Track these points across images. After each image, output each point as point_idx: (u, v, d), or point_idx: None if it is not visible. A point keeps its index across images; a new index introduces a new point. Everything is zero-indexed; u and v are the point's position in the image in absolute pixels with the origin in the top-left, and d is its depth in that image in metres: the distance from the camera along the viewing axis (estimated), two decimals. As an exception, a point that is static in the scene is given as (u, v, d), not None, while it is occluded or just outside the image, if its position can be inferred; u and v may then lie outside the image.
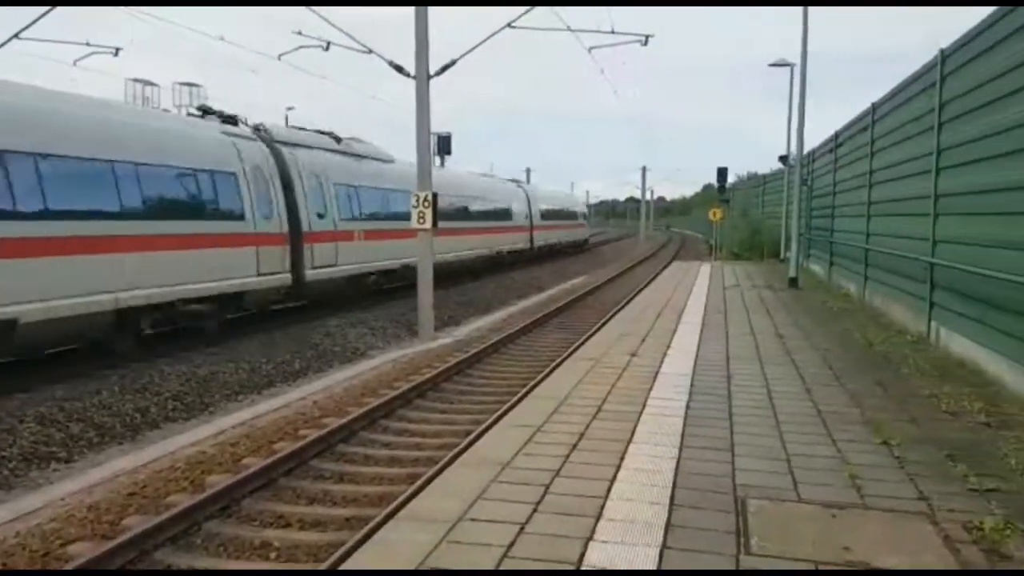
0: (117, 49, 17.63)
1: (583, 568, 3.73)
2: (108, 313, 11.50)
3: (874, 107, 14.92)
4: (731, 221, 36.97)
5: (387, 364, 12.65)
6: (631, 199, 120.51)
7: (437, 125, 32.19)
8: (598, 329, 12.58)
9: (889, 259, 12.95)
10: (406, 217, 15.88)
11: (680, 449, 5.60)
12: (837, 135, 19.42)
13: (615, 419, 6.46)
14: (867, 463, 5.30)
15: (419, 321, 15.73)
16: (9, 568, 5.41)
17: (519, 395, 8.87)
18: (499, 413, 8.07)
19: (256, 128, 16.70)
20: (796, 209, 21.09)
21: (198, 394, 10.75)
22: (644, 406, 6.89)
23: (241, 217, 14.73)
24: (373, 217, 19.81)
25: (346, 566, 4.13)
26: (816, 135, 22.66)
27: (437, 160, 33.37)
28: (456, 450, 6.95)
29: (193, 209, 13.57)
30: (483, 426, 7.71)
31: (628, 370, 8.55)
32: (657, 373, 8.37)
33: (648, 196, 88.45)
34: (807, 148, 23.94)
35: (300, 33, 16.41)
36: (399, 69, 15.48)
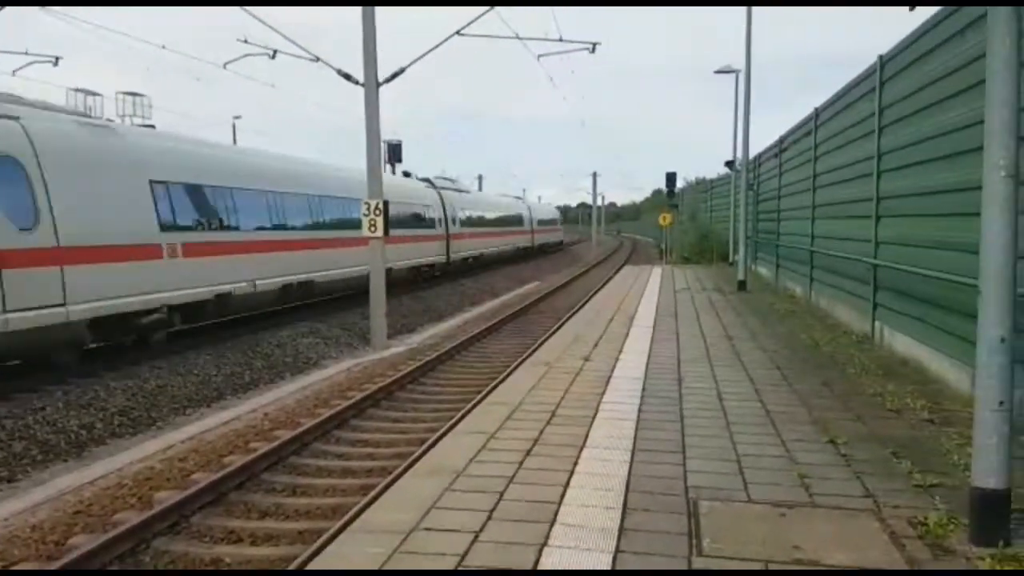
0: (57, 58, 17.24)
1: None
2: (412, 268, 25.55)
3: (817, 112, 15.21)
4: (681, 225, 37.42)
5: (340, 374, 12.52)
6: (583, 204, 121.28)
7: (387, 131, 32.08)
8: (552, 334, 12.61)
9: (833, 261, 13.20)
10: (484, 224, 37.31)
11: (633, 453, 5.63)
12: (782, 140, 19.76)
13: (569, 424, 6.48)
14: (815, 462, 5.38)
15: (372, 329, 15.62)
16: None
17: (473, 402, 8.84)
18: (453, 421, 8.02)
19: (426, 179, 32.46)
20: (743, 213, 21.43)
21: (145, 408, 10.51)
22: (597, 410, 6.92)
23: (434, 226, 29.18)
24: (469, 224, 34.87)
25: (298, 580, 4.07)
26: (767, 139, 23.07)
27: (389, 168, 33.72)
28: (410, 459, 6.89)
29: (425, 223, 28.02)
30: (437, 434, 7.66)
31: (581, 374, 8.59)
32: (610, 377, 8.42)
33: (599, 201, 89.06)
34: (755, 152, 24.35)
35: (246, 41, 16.19)
36: (347, 77, 15.37)
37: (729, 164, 28.53)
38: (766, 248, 22.89)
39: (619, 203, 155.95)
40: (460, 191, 36.15)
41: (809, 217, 15.42)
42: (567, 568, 3.79)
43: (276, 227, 17.05)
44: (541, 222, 54.56)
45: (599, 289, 20.67)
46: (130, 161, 12.96)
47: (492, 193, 51.03)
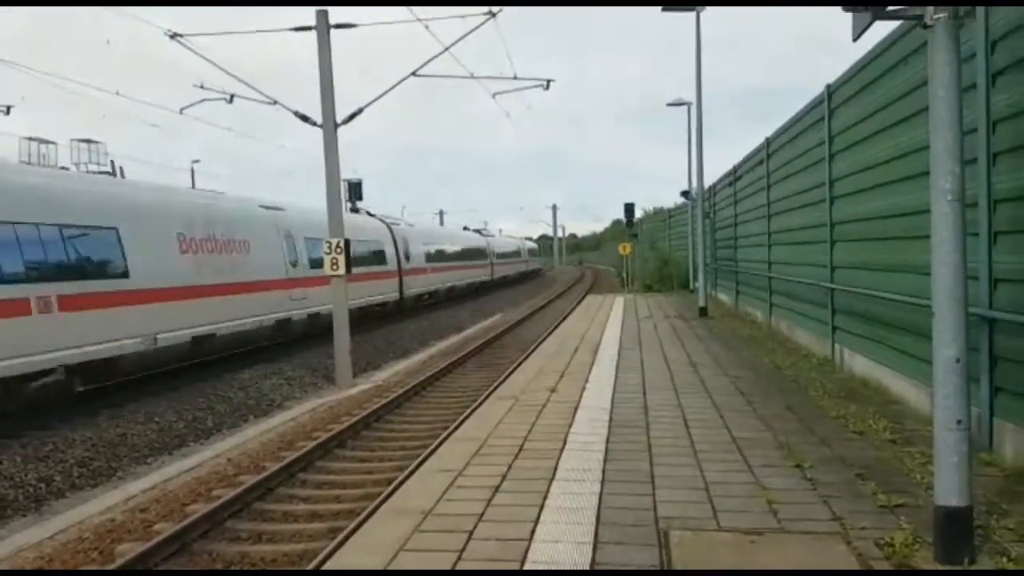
0: (8, 107, 17.05)
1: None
2: (474, 284, 42.98)
3: (768, 141, 15.50)
4: (641, 254, 37.71)
5: (305, 415, 12.35)
6: (544, 236, 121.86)
7: (347, 170, 32.04)
8: (518, 366, 12.57)
9: (791, 286, 13.38)
10: (506, 256, 57.32)
11: (602, 484, 5.59)
12: (736, 169, 20.08)
13: (537, 457, 6.43)
14: (782, 487, 5.39)
15: (336, 368, 15.46)
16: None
17: (440, 439, 8.75)
18: (420, 459, 7.93)
19: (477, 229, 55.85)
20: (701, 241, 21.67)
21: (105, 459, 10.26)
22: (565, 442, 6.88)
23: (485, 258, 47.56)
24: (499, 256, 53.02)
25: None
26: (724, 167, 23.39)
27: (348, 206, 33.28)
28: (377, 501, 6.78)
29: (481, 256, 46.70)
30: (404, 474, 7.56)
31: (548, 406, 8.55)
32: (577, 408, 8.39)
33: (560, 233, 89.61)
34: (712, 181, 24.69)
35: (202, 87, 16.13)
36: (305, 119, 15.35)
37: (685, 194, 28.92)
38: (725, 275, 23.15)
39: (579, 234, 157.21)
40: (493, 236, 59.99)
41: (765, 244, 15.65)
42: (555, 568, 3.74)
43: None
44: (531, 252, 76.43)
45: (563, 320, 20.70)
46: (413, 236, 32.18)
47: (505, 236, 72.43)
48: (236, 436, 11.26)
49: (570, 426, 7.53)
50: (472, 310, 32.96)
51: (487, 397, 10.20)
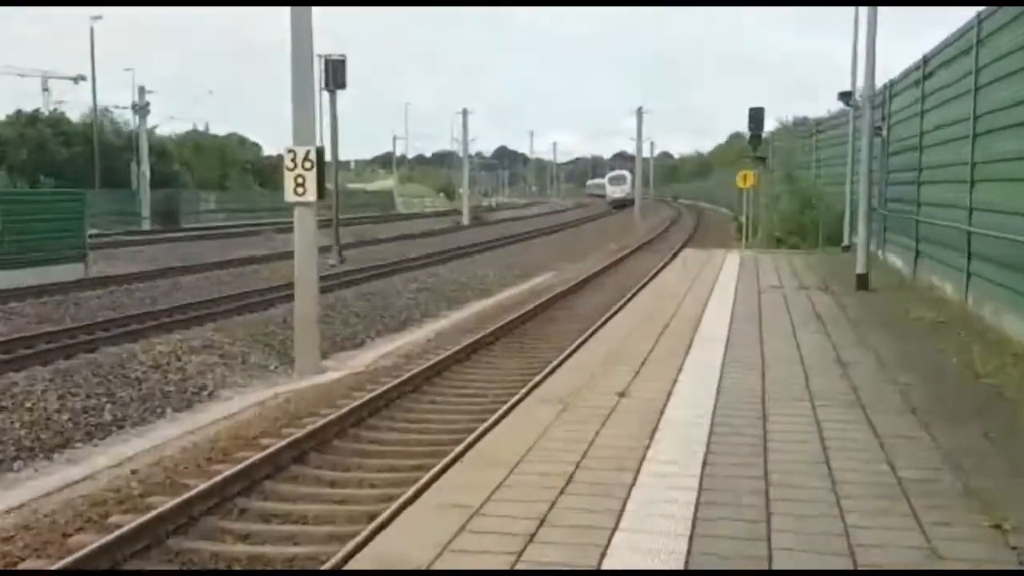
0: None
1: None
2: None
3: (980, 18, 15.11)
4: (770, 189, 37.34)
5: (249, 410, 12.57)
6: (621, 155, 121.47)
7: (324, 42, 31.91)
8: (570, 354, 12.59)
9: (1006, 246, 13.10)
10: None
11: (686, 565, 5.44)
12: (926, 60, 19.68)
13: (591, 494, 6.38)
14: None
15: (296, 344, 15.57)
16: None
17: (448, 459, 8.81)
18: (417, 487, 8.00)
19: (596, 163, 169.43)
20: (865, 171, 21.32)
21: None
22: (637, 475, 6.80)
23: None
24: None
25: None
26: (890, 70, 22.86)
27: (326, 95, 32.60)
28: (349, 546, 6.86)
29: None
30: (392, 507, 7.63)
31: (614, 417, 8.52)
32: (659, 420, 8.34)
33: (647, 151, 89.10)
34: (881, 81, 24.22)
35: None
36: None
37: (845, 97, 28.37)
38: (900, 226, 22.83)
39: (677, 153, 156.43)
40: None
41: (967, 179, 15.35)
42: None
43: None
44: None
45: (644, 285, 20.68)
46: None
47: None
48: (146, 436, 11.50)
49: (646, 450, 7.45)
50: (508, 264, 32.92)
51: (522, 399, 10.25)
